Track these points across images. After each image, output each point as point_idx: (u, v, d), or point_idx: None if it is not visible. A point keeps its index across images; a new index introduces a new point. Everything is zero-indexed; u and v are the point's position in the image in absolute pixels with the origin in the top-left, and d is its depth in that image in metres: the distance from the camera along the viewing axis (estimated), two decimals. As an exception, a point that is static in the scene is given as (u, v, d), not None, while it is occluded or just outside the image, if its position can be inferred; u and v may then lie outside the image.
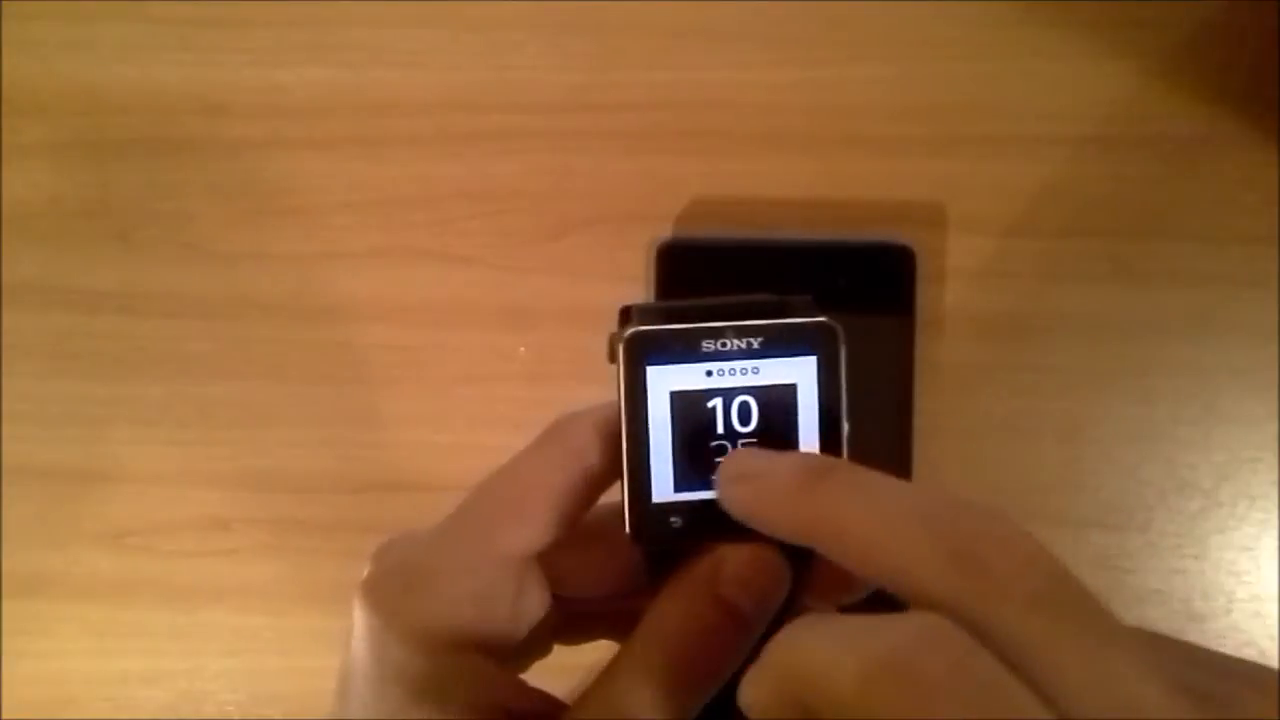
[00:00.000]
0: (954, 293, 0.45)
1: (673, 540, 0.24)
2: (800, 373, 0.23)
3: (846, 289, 0.44)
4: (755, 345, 0.23)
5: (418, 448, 0.46)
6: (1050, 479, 0.44)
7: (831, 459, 0.23)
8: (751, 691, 0.20)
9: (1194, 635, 0.44)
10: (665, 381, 0.23)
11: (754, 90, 0.45)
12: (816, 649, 0.19)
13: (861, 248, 0.44)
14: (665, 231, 0.45)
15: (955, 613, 0.18)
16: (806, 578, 0.24)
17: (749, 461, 0.23)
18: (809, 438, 0.23)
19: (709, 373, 0.23)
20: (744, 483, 0.22)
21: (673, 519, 0.23)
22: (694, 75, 0.45)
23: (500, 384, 0.45)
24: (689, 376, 0.23)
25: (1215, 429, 0.44)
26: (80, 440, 0.46)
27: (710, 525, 0.23)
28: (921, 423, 0.44)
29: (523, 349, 0.45)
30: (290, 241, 0.46)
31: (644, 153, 0.45)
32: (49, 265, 0.47)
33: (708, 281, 0.44)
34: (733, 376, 0.23)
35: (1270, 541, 0.44)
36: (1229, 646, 0.44)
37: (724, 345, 0.23)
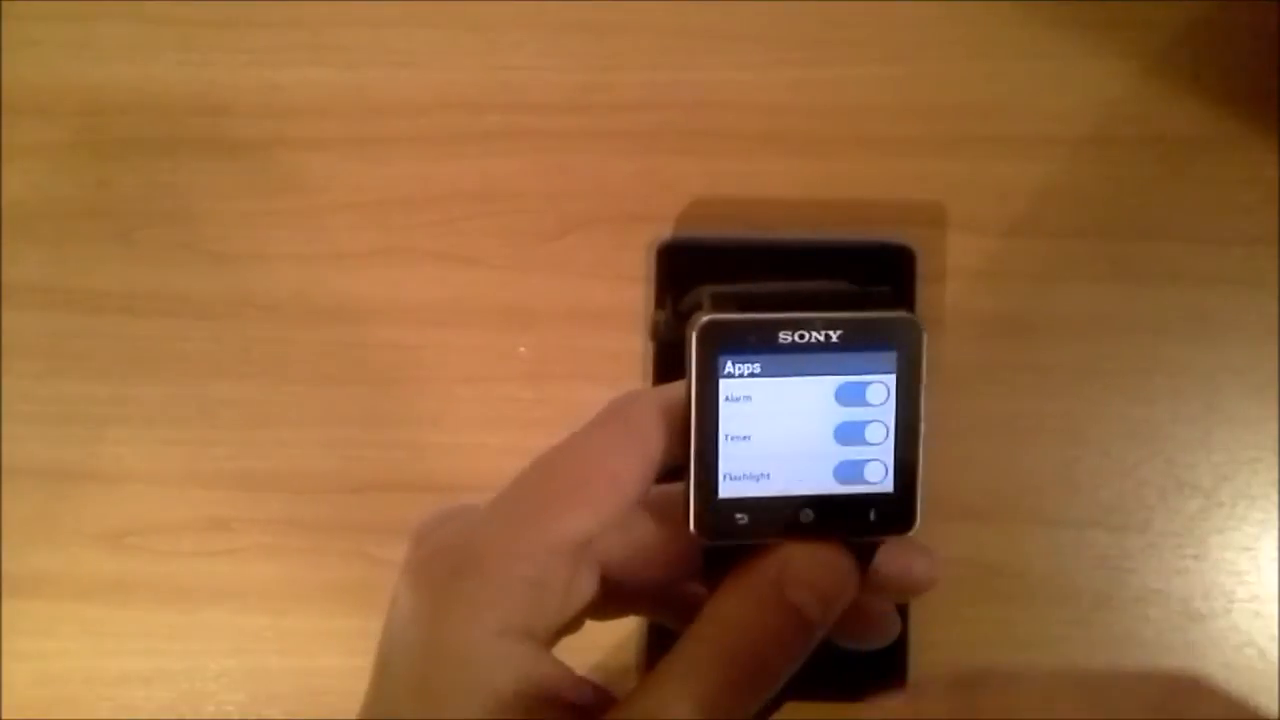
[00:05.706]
0: (954, 293, 0.45)
1: (737, 537, 0.23)
2: (880, 367, 0.23)
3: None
4: (834, 338, 0.22)
5: (418, 448, 0.46)
6: (1050, 479, 0.44)
7: None
8: None
9: (1194, 635, 0.44)
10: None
11: (754, 90, 0.45)
12: None
13: (861, 248, 0.44)
14: (665, 231, 0.45)
15: None
16: (866, 577, 0.23)
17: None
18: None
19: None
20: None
21: (738, 515, 0.22)
22: (694, 75, 0.45)
23: (500, 384, 0.45)
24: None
25: (1215, 429, 0.44)
26: (80, 440, 0.46)
27: (777, 523, 0.22)
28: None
29: (523, 349, 0.45)
30: (290, 241, 0.46)
31: (644, 153, 0.45)
32: (49, 265, 0.47)
33: (708, 282, 0.44)
34: None
35: (1270, 541, 0.44)
36: (1229, 646, 0.44)
37: (802, 337, 0.22)
